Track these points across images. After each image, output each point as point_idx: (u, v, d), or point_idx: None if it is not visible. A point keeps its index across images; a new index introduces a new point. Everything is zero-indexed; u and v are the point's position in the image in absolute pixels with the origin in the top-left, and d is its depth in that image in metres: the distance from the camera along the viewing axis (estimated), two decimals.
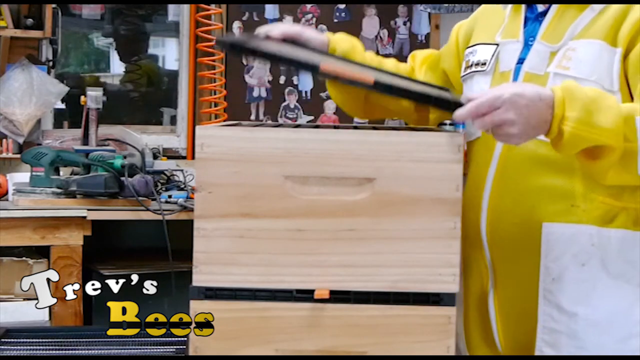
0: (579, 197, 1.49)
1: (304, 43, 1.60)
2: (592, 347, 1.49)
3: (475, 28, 1.70)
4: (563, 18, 1.52)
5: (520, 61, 1.56)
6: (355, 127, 1.51)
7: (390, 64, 1.77)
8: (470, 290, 1.62)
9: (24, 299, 2.63)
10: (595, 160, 1.37)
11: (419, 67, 1.81)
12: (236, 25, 3.83)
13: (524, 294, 1.53)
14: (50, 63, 3.40)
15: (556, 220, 1.50)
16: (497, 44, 1.61)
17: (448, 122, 2.90)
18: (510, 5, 1.62)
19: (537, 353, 1.53)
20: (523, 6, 1.59)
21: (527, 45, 1.56)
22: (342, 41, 1.68)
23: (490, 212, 1.54)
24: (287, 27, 1.62)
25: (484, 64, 1.61)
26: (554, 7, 1.54)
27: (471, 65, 1.64)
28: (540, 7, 1.57)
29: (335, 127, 1.46)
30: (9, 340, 1.78)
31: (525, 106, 1.32)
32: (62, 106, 3.58)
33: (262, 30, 1.60)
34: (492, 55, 1.60)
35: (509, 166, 1.54)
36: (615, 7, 1.48)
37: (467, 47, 1.68)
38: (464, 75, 1.67)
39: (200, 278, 1.38)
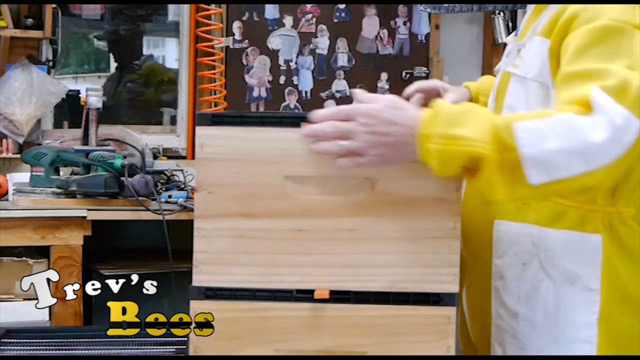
0: None
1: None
2: (531, 348, 1.46)
3: None
4: (534, 18, 1.52)
5: None
6: None
7: None
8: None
9: (24, 299, 2.63)
10: (476, 176, 1.29)
11: None
12: (236, 25, 3.83)
13: (483, 291, 1.53)
14: (50, 63, 3.41)
15: (505, 218, 1.48)
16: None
17: None
18: None
19: (491, 351, 1.53)
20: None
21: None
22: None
23: (462, 209, 1.55)
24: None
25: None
26: (531, 6, 1.55)
27: None
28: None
29: None
30: (9, 340, 1.78)
31: (381, 123, 1.30)
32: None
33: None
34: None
35: None
36: (562, 5, 1.43)
37: None
38: None
39: (200, 278, 1.38)
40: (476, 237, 1.53)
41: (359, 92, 1.36)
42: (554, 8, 1.45)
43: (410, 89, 1.70)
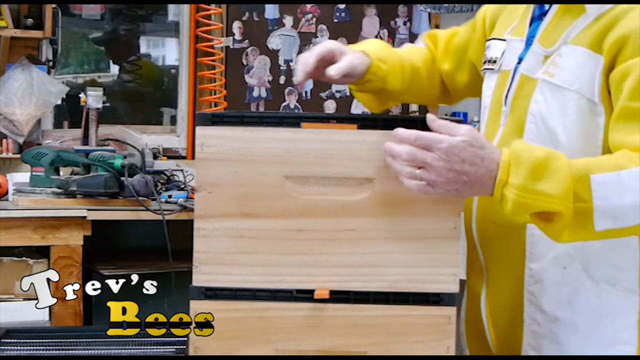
0: None
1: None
2: (573, 351, 1.46)
3: (500, 18, 1.66)
4: (561, 22, 1.47)
5: (520, 61, 1.52)
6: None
7: (414, 52, 1.79)
8: (470, 289, 1.62)
9: (24, 299, 2.63)
10: (548, 223, 1.32)
11: (442, 54, 1.77)
12: (236, 25, 3.83)
13: (511, 296, 1.52)
14: (50, 63, 3.41)
15: None
16: (506, 41, 1.59)
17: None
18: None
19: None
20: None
21: (528, 46, 1.52)
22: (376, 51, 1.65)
23: (479, 212, 1.54)
24: (321, 47, 1.56)
25: (494, 61, 1.59)
26: (554, 9, 1.49)
27: (485, 62, 1.63)
28: (546, 7, 1.52)
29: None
30: (9, 340, 1.78)
31: (461, 161, 1.29)
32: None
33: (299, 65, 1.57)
34: (502, 53, 1.58)
35: None
36: (608, 16, 1.41)
37: (488, 39, 1.66)
38: (482, 70, 1.65)
39: (200, 278, 1.38)
40: (503, 242, 1.51)
41: (433, 118, 1.33)
42: (592, 15, 1.42)
43: (310, 60, 1.55)
